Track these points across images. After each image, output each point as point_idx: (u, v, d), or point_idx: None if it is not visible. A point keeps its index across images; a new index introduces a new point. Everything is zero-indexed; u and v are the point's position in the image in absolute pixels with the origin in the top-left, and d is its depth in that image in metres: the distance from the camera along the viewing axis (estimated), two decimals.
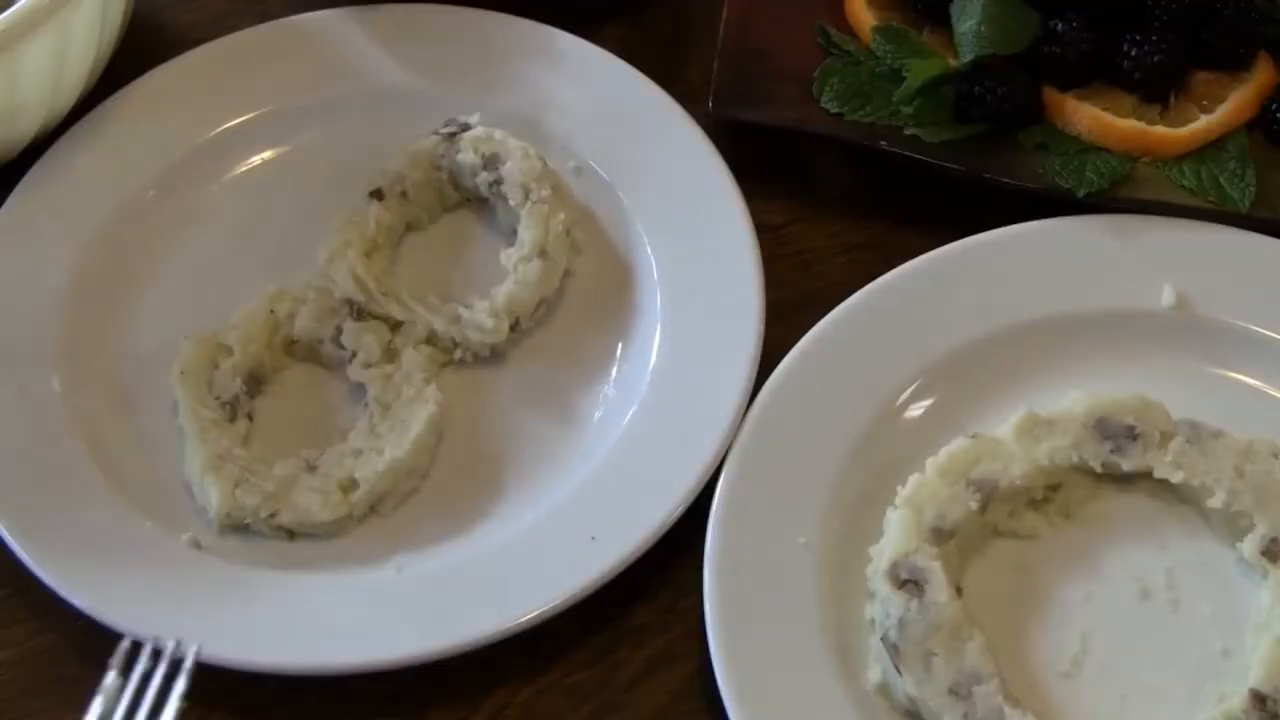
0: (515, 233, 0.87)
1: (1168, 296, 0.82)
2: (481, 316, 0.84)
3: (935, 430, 0.79)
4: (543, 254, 0.85)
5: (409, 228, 0.90)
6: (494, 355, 0.85)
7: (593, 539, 0.76)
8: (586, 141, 0.91)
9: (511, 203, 0.87)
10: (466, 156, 0.88)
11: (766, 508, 0.76)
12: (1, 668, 0.77)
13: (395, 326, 0.84)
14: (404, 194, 0.89)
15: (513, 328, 0.85)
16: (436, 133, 0.89)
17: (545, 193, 0.86)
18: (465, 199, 0.91)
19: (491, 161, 0.88)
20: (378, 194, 0.88)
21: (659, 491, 0.77)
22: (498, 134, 0.88)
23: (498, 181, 0.87)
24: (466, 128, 0.89)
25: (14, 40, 0.80)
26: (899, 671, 0.70)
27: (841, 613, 0.74)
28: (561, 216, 0.86)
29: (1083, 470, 0.77)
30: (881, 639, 0.71)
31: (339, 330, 0.83)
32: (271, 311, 0.84)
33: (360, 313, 0.84)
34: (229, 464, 0.79)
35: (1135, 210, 0.85)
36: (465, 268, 0.89)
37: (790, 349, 0.81)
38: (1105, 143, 0.88)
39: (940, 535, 0.73)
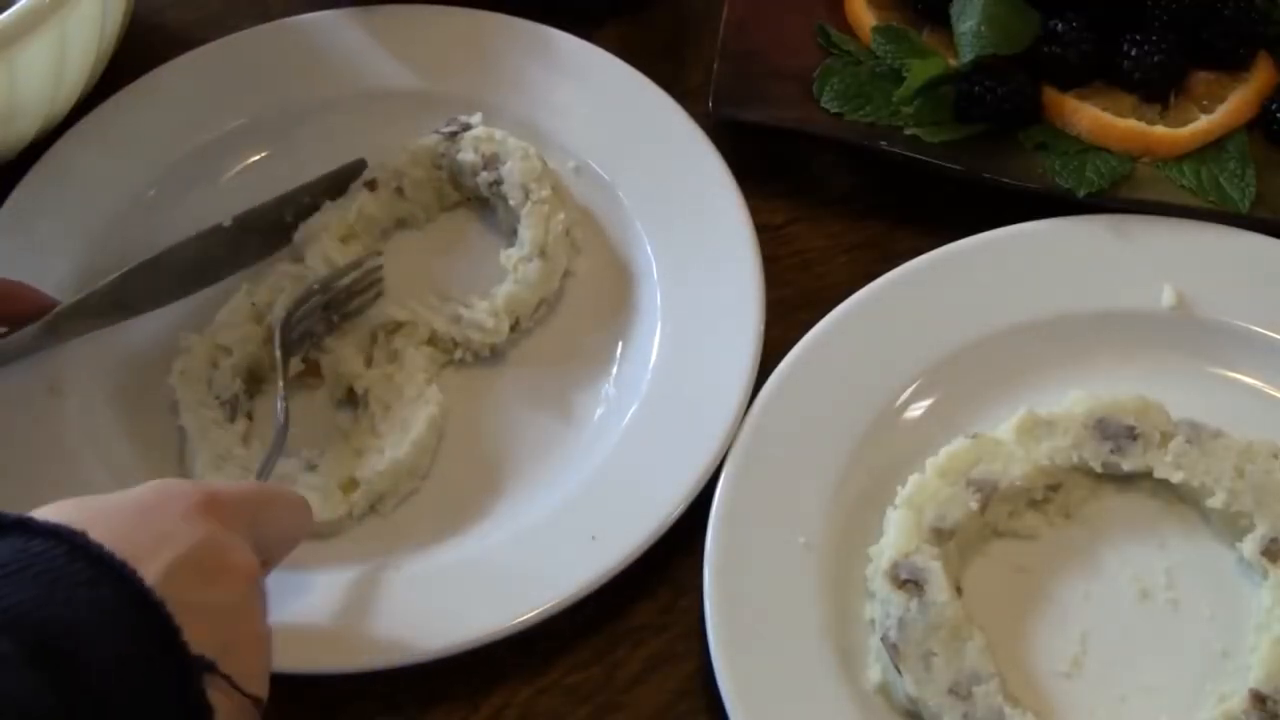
0: (515, 233, 0.87)
1: (1168, 296, 0.82)
2: (482, 316, 0.84)
3: (935, 430, 0.79)
4: (543, 254, 0.85)
5: (403, 224, 0.90)
6: (494, 355, 0.85)
7: (593, 539, 0.76)
8: (586, 141, 0.91)
9: (511, 203, 0.87)
10: (467, 156, 0.88)
11: (766, 508, 0.76)
12: None
13: (395, 328, 0.84)
14: (399, 190, 0.89)
15: (513, 328, 0.85)
16: (438, 131, 0.89)
17: (545, 193, 0.86)
18: (465, 199, 0.91)
19: (492, 161, 0.88)
20: (371, 184, 0.88)
21: (659, 491, 0.77)
22: (498, 134, 0.88)
23: (498, 181, 0.87)
24: (468, 127, 0.89)
25: (13, 40, 0.79)
26: (899, 671, 0.70)
27: (841, 613, 0.74)
28: (561, 216, 0.86)
29: (1083, 470, 0.77)
30: (881, 639, 0.71)
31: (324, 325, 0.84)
32: (253, 304, 0.84)
33: (331, 303, 0.84)
34: (229, 464, 0.79)
35: (1135, 210, 0.85)
36: (465, 268, 0.89)
37: (790, 349, 0.81)
38: (1105, 143, 0.88)
39: (940, 535, 0.73)
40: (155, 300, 0.84)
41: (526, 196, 0.86)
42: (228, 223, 0.86)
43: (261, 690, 0.61)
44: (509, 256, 0.86)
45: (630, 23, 1.00)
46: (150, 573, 0.56)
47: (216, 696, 0.57)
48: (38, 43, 0.81)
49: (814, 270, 0.89)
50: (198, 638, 0.56)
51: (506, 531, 0.78)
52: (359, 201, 0.87)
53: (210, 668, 0.57)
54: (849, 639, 0.73)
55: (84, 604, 0.54)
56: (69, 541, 0.56)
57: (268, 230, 0.87)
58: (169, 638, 0.55)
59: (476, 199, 0.91)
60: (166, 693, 0.55)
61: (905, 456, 0.78)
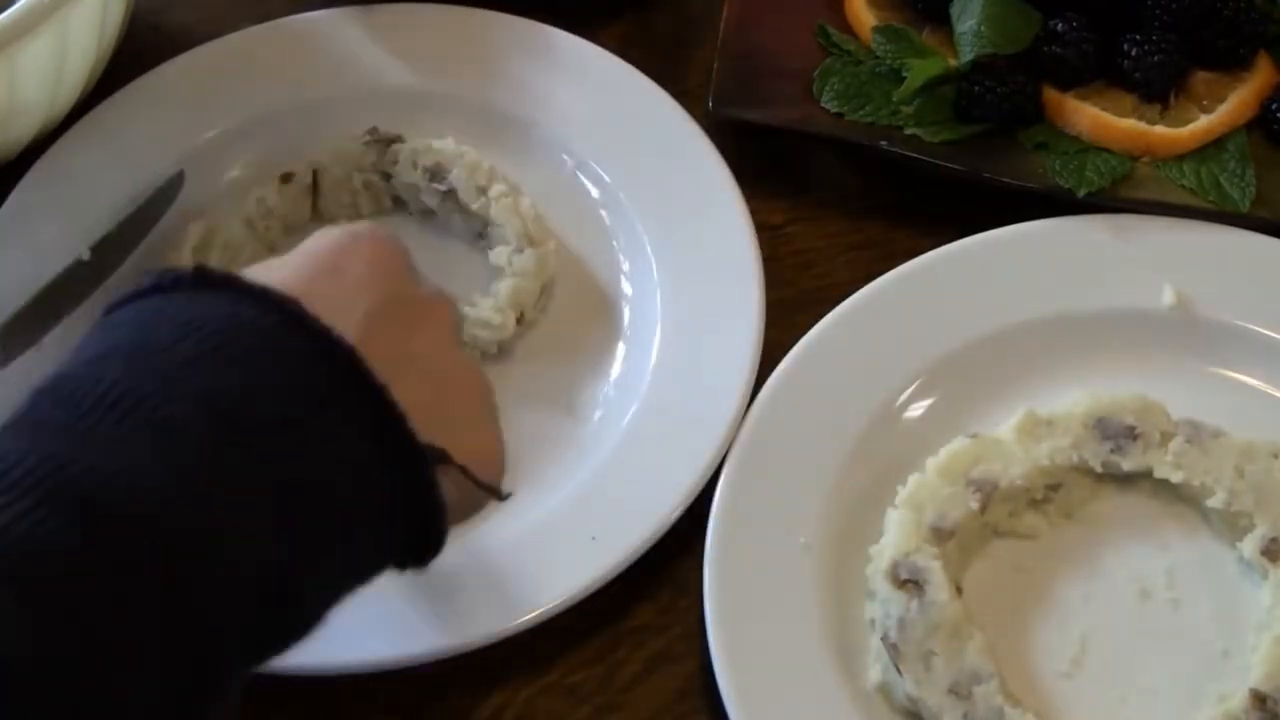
0: (483, 235, 0.87)
1: (1168, 296, 0.82)
2: (487, 313, 0.83)
3: (935, 430, 0.79)
4: (530, 241, 0.85)
5: (320, 222, 0.90)
6: (491, 355, 0.85)
7: (593, 539, 0.76)
8: (586, 141, 0.91)
9: (474, 207, 0.86)
10: (406, 176, 0.87)
11: (766, 508, 0.76)
12: None
13: None
14: (314, 186, 0.88)
15: (518, 321, 0.84)
16: (365, 140, 0.89)
17: (502, 186, 0.86)
18: (401, 209, 0.90)
19: (437, 172, 0.87)
20: (286, 177, 0.88)
21: (659, 491, 0.77)
22: (435, 143, 0.87)
23: (450, 191, 0.87)
24: (393, 141, 0.88)
25: (13, 40, 0.79)
26: (899, 671, 0.70)
27: (841, 613, 0.74)
28: (526, 201, 0.86)
29: (1083, 470, 0.77)
30: (881, 639, 0.71)
31: None
32: None
33: None
34: None
35: (1135, 210, 0.85)
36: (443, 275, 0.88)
37: (790, 349, 0.81)
38: (1105, 143, 0.88)
39: (940, 535, 0.73)
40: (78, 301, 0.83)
41: (486, 195, 0.86)
42: (86, 256, 0.85)
43: (498, 476, 0.56)
44: (499, 254, 0.85)
45: (630, 23, 1.00)
46: (354, 334, 0.50)
47: (449, 490, 0.53)
48: (38, 43, 0.81)
49: (814, 270, 0.89)
50: (424, 424, 0.51)
51: (506, 531, 0.78)
52: (261, 192, 0.87)
53: (442, 458, 0.52)
54: (849, 639, 0.73)
55: (300, 389, 0.49)
56: (280, 311, 0.49)
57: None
58: (395, 428, 0.50)
59: (421, 212, 0.90)
60: (393, 491, 0.50)
61: (905, 456, 0.78)
